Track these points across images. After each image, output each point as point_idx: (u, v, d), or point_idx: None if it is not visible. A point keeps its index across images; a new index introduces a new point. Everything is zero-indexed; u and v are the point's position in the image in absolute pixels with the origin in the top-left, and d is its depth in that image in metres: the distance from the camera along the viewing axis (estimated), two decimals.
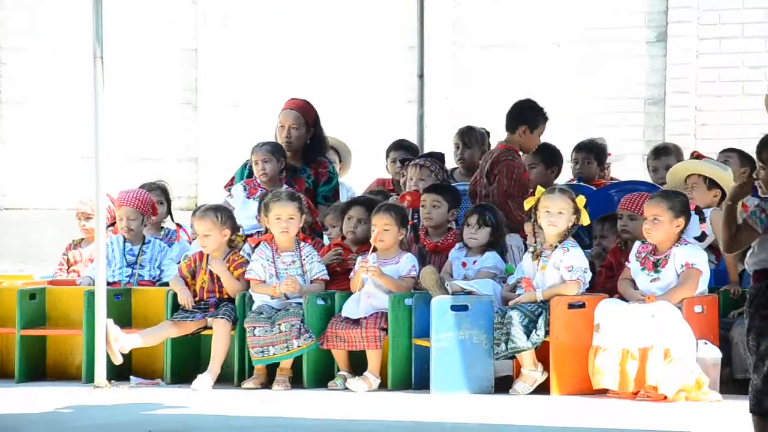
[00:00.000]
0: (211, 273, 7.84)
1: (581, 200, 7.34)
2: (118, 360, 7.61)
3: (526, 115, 8.39)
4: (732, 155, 8.44)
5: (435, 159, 8.65)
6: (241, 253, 7.99)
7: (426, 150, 9.53)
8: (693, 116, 12.09)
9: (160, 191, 8.95)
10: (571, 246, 7.27)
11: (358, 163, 10.09)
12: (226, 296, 7.85)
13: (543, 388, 7.19)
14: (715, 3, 12.11)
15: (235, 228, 7.97)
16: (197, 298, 7.85)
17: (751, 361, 5.18)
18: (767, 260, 5.03)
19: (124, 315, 7.94)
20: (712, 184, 7.70)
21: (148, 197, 8.58)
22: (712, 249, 7.53)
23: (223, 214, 7.91)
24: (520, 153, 8.38)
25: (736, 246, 5.16)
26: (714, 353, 7.01)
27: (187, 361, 7.87)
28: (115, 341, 7.56)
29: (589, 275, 7.28)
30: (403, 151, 9.21)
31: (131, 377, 7.84)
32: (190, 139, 12.90)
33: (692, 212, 7.30)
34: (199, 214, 7.96)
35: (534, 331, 7.12)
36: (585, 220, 7.37)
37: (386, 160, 9.40)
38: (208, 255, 7.89)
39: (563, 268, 7.22)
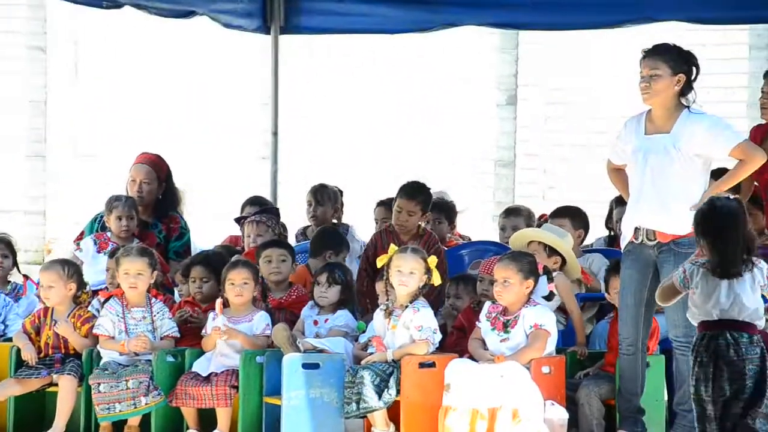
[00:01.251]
0: None
1: (433, 260, 7.40)
2: None
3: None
4: (564, 221, 8.39)
5: (271, 214, 8.67)
6: (90, 308, 7.86)
7: (280, 206, 9.54)
8: (541, 179, 12.33)
9: (5, 245, 8.75)
10: (421, 306, 7.31)
11: (211, 220, 10.04)
12: (72, 351, 7.71)
13: None
14: (562, 67, 12.41)
15: (81, 284, 7.85)
16: (42, 354, 7.69)
17: (694, 408, 5.88)
18: (700, 315, 5.94)
19: None
20: (552, 250, 7.82)
21: None
22: (560, 310, 7.65)
23: (71, 268, 7.80)
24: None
25: (663, 301, 6.21)
26: (561, 414, 7.09)
27: (31, 419, 7.69)
28: None
29: (438, 336, 7.33)
30: (258, 208, 9.20)
31: None
32: (38, 191, 12.69)
33: (540, 273, 7.41)
34: (45, 265, 7.86)
35: (386, 390, 7.13)
36: (436, 280, 7.43)
37: None
38: (53, 310, 7.75)
39: (413, 327, 7.25)
